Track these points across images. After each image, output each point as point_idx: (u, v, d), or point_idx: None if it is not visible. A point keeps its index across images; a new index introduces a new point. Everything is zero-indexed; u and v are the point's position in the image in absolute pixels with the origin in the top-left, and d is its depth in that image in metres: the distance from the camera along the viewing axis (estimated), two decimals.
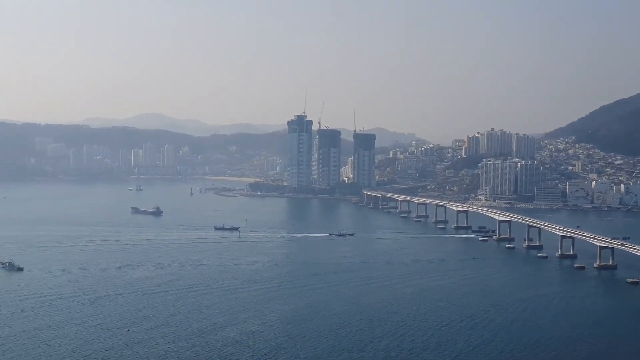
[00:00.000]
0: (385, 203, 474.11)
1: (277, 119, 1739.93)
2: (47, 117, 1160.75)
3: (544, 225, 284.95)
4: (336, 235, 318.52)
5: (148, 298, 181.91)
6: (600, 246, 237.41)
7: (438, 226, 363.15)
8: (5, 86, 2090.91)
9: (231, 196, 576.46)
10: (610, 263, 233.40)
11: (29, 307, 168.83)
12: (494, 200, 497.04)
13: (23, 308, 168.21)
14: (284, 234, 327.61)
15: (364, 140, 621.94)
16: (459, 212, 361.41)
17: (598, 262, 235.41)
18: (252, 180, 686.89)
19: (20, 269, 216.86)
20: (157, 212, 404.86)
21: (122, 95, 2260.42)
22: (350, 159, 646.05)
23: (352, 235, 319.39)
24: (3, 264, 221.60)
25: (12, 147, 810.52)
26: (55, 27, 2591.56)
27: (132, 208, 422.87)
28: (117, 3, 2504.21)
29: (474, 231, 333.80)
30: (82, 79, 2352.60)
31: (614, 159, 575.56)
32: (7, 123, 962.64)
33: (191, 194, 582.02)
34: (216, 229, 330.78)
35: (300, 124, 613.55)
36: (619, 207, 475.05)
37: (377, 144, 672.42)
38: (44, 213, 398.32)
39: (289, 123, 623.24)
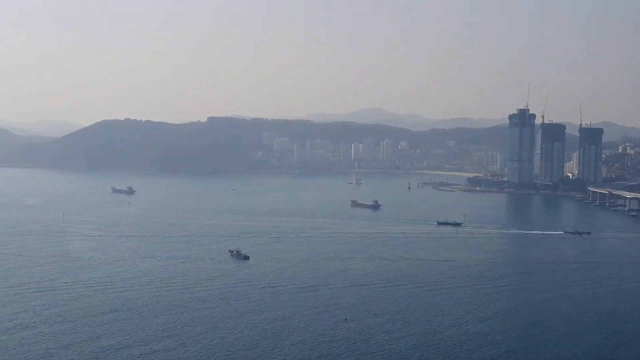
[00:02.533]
0: (612, 200, 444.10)
1: (497, 113, 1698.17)
2: (274, 112, 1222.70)
3: None
4: (571, 233, 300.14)
5: (366, 290, 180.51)
6: None
7: None
8: (235, 85, 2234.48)
9: (449, 191, 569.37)
10: None
11: (259, 298, 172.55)
12: None
13: (252, 298, 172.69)
14: (512, 231, 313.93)
15: (590, 135, 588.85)
16: None
17: None
18: (470, 175, 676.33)
19: (246, 258, 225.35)
20: (376, 206, 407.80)
21: (345, 91, 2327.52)
22: (575, 154, 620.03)
23: (589, 233, 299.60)
24: (232, 252, 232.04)
25: (242, 141, 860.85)
26: (290, 27, 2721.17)
27: (352, 201, 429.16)
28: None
29: None
30: (306, 76, 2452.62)
31: None
32: (237, 119, 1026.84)
33: (409, 188, 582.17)
34: (439, 223, 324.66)
35: (522, 118, 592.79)
36: None
37: (605, 138, 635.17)
38: (269, 204, 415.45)
39: (511, 117, 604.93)
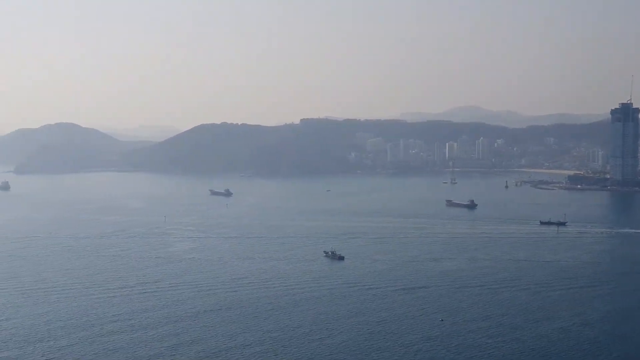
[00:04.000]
0: None
1: (599, 108, 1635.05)
2: (366, 113, 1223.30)
3: None
4: None
5: (467, 293, 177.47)
6: None
7: None
8: (327, 86, 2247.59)
9: (549, 189, 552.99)
10: None
11: (357, 300, 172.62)
12: None
13: (350, 300, 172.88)
14: (620, 230, 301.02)
15: None
16: None
17: None
18: (571, 172, 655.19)
19: (341, 258, 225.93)
20: (472, 205, 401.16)
21: (438, 90, 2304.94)
22: None
23: None
24: (327, 253, 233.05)
25: (336, 142, 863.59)
26: (380, 28, 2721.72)
27: (447, 201, 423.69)
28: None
29: None
30: (399, 75, 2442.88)
31: None
32: (331, 120, 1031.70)
33: (506, 186, 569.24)
34: (542, 223, 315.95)
35: (625, 113, 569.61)
36: None
37: None
38: (363, 205, 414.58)
39: (613, 112, 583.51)
